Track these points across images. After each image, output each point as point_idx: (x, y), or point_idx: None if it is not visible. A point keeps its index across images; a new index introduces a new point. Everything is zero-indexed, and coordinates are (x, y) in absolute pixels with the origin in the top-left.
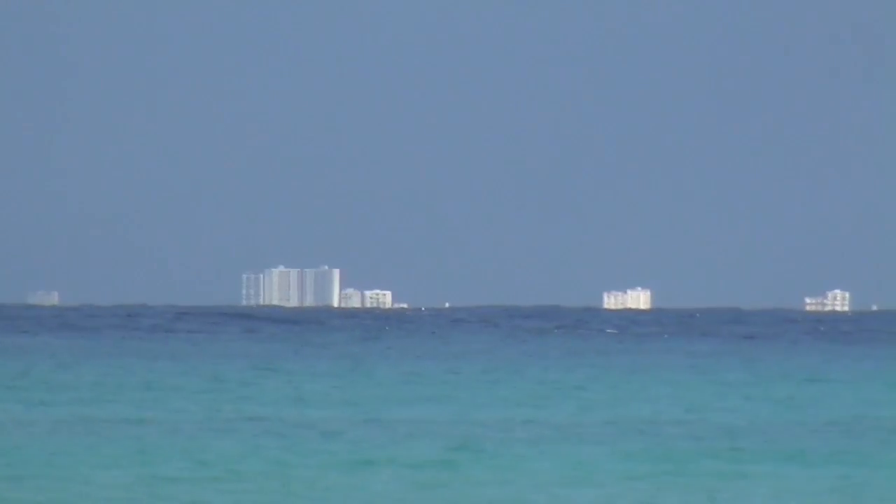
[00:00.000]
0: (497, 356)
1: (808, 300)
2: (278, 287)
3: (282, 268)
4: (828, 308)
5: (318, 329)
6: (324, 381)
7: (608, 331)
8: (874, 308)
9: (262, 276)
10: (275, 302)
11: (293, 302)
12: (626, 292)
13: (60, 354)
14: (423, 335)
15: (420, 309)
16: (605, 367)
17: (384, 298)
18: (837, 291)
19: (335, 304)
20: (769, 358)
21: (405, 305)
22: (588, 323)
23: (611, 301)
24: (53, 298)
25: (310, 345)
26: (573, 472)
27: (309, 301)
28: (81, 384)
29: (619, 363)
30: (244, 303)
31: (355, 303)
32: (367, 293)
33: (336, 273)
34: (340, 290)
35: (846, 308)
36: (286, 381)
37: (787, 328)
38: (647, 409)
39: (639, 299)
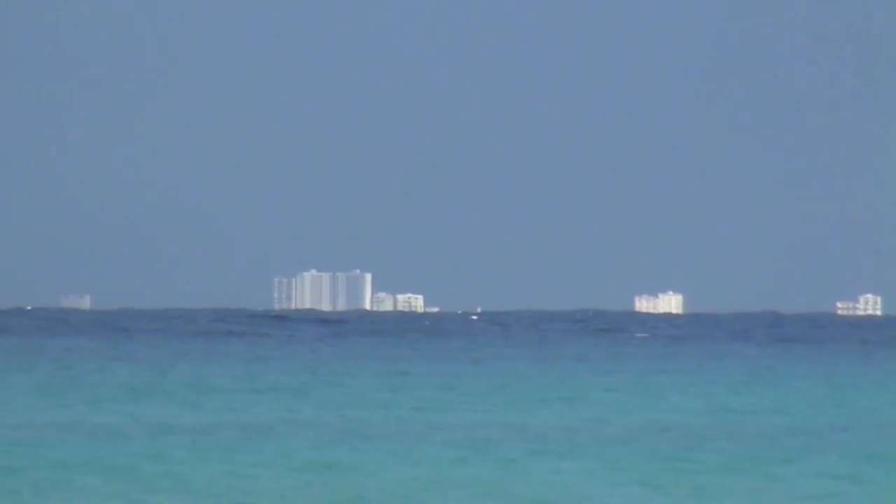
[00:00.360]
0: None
1: (839, 304)
2: (310, 291)
3: (314, 271)
4: (860, 312)
5: (405, 334)
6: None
7: (652, 334)
8: None
9: (294, 279)
10: (307, 306)
11: (325, 306)
12: (657, 296)
13: (158, 358)
14: (517, 342)
15: (470, 314)
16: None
17: (416, 302)
18: (869, 296)
19: (367, 307)
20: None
21: (437, 309)
22: (656, 328)
23: (642, 305)
24: (86, 302)
25: (431, 350)
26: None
27: (341, 305)
28: (230, 387)
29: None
30: (276, 307)
31: (387, 306)
32: (399, 297)
33: (368, 277)
34: (372, 293)
35: (878, 312)
36: (446, 385)
37: (849, 332)
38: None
39: (670, 303)
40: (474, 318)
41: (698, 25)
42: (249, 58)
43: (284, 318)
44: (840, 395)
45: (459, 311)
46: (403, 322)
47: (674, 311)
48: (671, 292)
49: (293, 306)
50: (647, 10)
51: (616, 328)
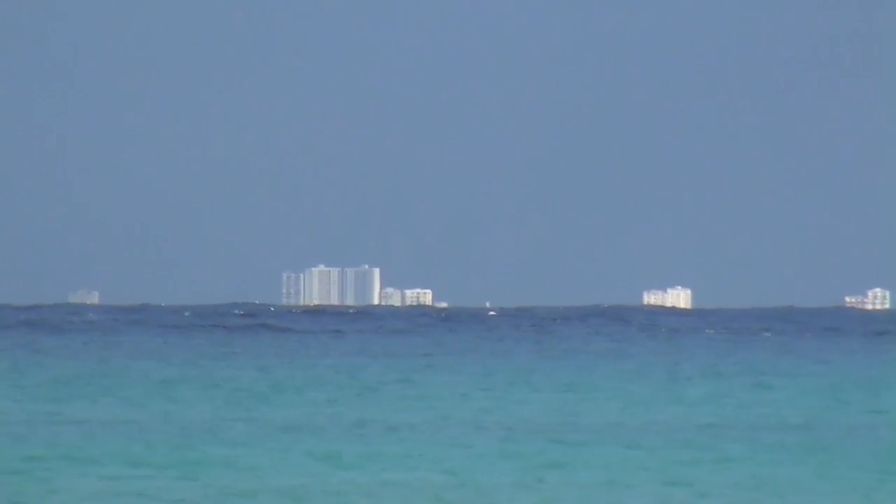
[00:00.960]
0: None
1: (847, 299)
2: (318, 286)
3: (322, 267)
4: (868, 306)
5: (455, 329)
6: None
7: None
8: None
9: (302, 275)
10: (315, 301)
11: (334, 301)
12: (666, 291)
13: (239, 356)
14: (561, 338)
15: (488, 311)
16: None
17: (424, 297)
18: (878, 290)
19: (375, 302)
20: None
21: (445, 305)
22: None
23: (650, 300)
24: (94, 298)
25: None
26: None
27: (349, 300)
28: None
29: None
30: (284, 302)
31: (395, 302)
32: (408, 292)
33: (376, 272)
34: (381, 289)
35: (886, 306)
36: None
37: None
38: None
39: (679, 298)
40: (492, 314)
41: (711, 21)
42: (257, 53)
43: (321, 313)
44: None
45: (471, 307)
46: (461, 319)
47: (682, 305)
48: (679, 287)
49: (301, 302)
50: (662, 7)
51: (684, 328)
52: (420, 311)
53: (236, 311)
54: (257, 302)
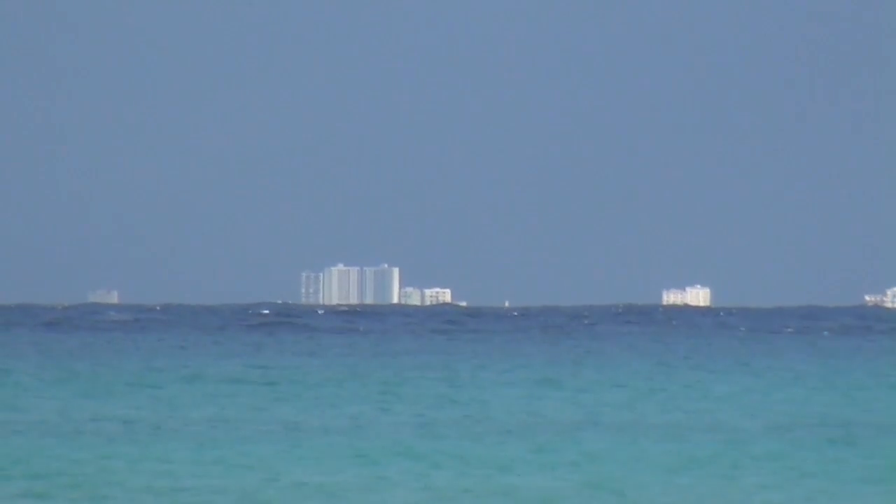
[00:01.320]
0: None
1: (867, 297)
2: (338, 285)
3: (341, 266)
4: (887, 305)
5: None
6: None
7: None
8: None
9: (321, 274)
10: (334, 301)
11: (353, 300)
12: (685, 290)
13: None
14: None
15: (511, 310)
16: None
17: (444, 297)
18: None
19: (395, 301)
20: None
21: (464, 304)
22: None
23: (670, 299)
24: (113, 297)
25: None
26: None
27: (369, 299)
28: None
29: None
30: (303, 301)
31: (415, 301)
32: (427, 291)
33: (395, 271)
34: (400, 288)
35: None
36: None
37: None
38: None
39: (698, 297)
40: (515, 314)
41: (723, 14)
42: (273, 53)
43: (366, 314)
44: None
45: (490, 305)
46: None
47: (702, 304)
48: (699, 286)
49: (321, 301)
50: (667, 4)
51: (761, 328)
52: (443, 309)
53: (263, 311)
54: (288, 301)
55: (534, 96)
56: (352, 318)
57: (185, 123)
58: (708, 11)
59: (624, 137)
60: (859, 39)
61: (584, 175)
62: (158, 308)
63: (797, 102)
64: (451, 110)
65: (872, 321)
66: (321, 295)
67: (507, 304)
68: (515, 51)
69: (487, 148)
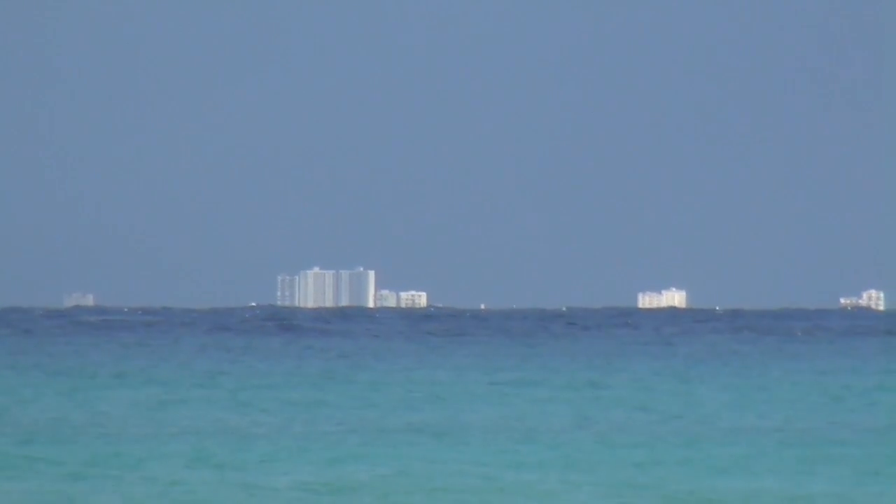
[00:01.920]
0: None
1: (842, 300)
2: (314, 288)
3: (317, 269)
4: (863, 307)
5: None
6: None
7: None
8: None
9: (297, 277)
10: (310, 304)
11: (329, 303)
12: (661, 293)
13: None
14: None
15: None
16: None
17: (420, 300)
18: (872, 291)
19: (371, 305)
20: None
21: (440, 306)
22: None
23: (645, 302)
24: (89, 300)
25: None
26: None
27: (344, 302)
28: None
29: None
30: (279, 304)
31: (391, 304)
32: (403, 294)
33: (371, 274)
34: (376, 291)
35: (881, 307)
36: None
37: None
38: None
39: (674, 299)
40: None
41: (704, 22)
42: (251, 55)
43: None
44: None
45: (466, 307)
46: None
47: (677, 306)
48: (674, 288)
49: (297, 304)
50: (655, 8)
51: (769, 330)
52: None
53: (263, 317)
54: (267, 304)
55: (508, 101)
56: (329, 320)
57: (160, 128)
58: (680, 19)
59: (599, 142)
60: (832, 45)
61: (559, 179)
62: (141, 311)
63: (770, 106)
64: (425, 114)
65: (862, 321)
66: (297, 298)
67: (483, 306)
68: (491, 58)
69: (464, 152)
